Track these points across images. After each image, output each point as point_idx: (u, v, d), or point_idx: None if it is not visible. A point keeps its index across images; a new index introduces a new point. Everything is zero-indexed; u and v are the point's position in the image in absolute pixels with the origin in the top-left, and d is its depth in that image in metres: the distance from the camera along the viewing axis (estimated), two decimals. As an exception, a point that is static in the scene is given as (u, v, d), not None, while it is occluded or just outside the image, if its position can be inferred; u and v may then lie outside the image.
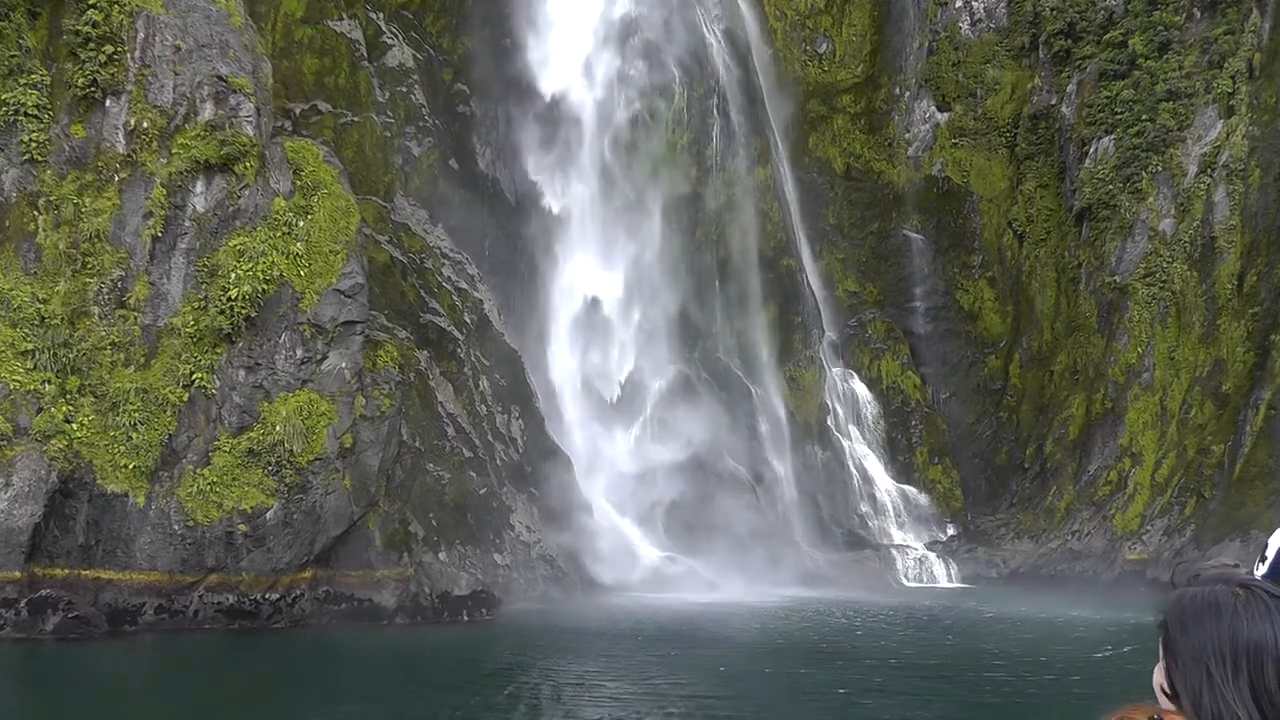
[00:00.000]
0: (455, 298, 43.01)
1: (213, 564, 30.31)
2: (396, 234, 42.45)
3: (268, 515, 30.61)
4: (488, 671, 24.69)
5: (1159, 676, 1.83)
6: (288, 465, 30.73)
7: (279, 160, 32.39)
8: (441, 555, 36.79)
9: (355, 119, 43.50)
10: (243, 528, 30.43)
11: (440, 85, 48.04)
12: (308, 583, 31.45)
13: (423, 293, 41.76)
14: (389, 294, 40.48)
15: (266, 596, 30.79)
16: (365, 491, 32.17)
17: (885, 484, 54.22)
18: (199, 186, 31.64)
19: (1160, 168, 48.56)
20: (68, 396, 30.19)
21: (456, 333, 42.04)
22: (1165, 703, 1.70)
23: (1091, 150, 50.98)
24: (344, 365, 31.66)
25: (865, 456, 54.82)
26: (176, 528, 30.25)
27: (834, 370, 55.56)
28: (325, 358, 31.60)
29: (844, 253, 58.10)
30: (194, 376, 30.72)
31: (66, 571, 29.73)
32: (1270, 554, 2.26)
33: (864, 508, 53.03)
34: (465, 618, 34.01)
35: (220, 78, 31.69)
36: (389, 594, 32.44)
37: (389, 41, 45.99)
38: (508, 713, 20.13)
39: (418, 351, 40.10)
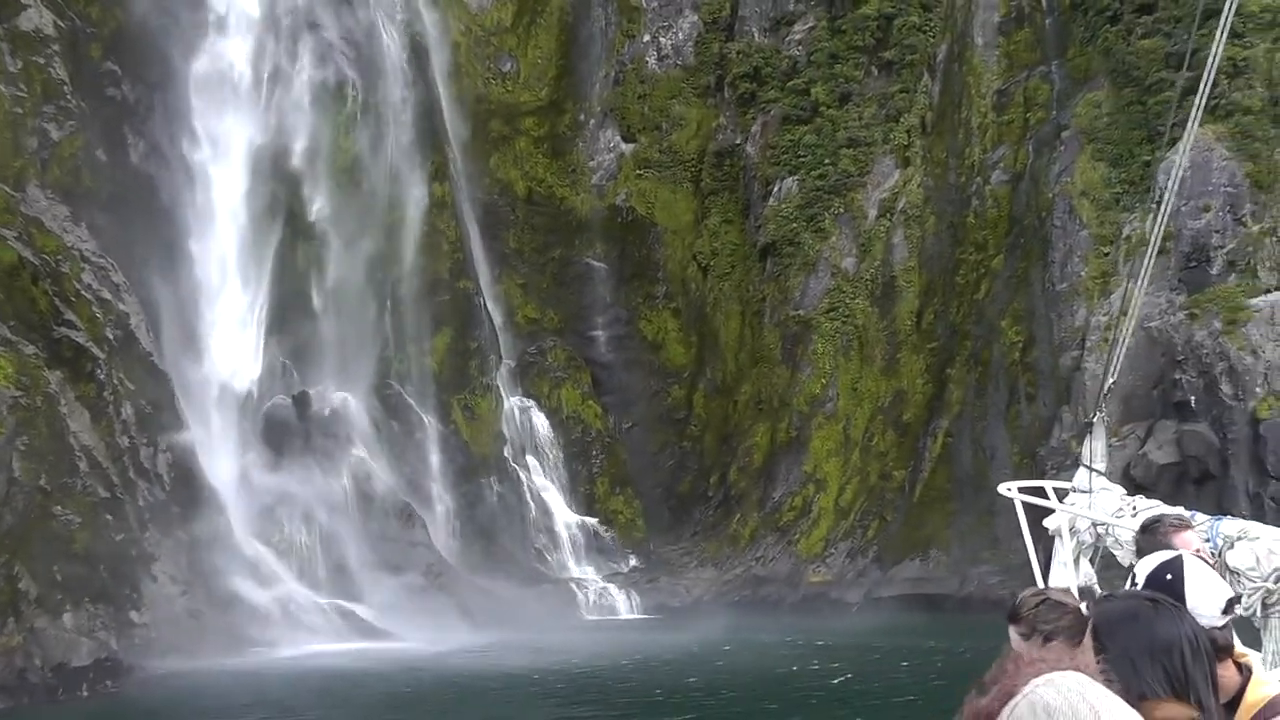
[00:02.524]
0: (96, 309, 37.02)
1: None
2: (27, 230, 36.01)
3: None
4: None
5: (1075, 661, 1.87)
6: None
7: None
8: (66, 617, 31.00)
9: (-21, 87, 36.82)
10: None
11: (87, 61, 41.92)
12: (-117, 664, 25.18)
13: (57, 301, 35.59)
14: (15, 301, 34.15)
15: None
16: (-33, 543, 26.25)
17: (564, 516, 52.59)
18: None
19: (842, 209, 50.36)
20: None
21: (96, 350, 36.12)
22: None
23: (776, 189, 52.21)
24: (-53, 385, 25.71)
25: (544, 488, 52.96)
26: None
27: (512, 399, 53.50)
28: (-79, 375, 25.53)
29: (524, 278, 56.27)
30: None
31: None
32: (1140, 578, 3.23)
33: (542, 541, 51.14)
34: (85, 693, 28.73)
35: None
36: (-12, 672, 26.63)
37: (24, 1, 39.39)
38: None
39: (48, 371, 33.93)
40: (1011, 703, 1.54)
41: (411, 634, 40.78)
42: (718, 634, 37.69)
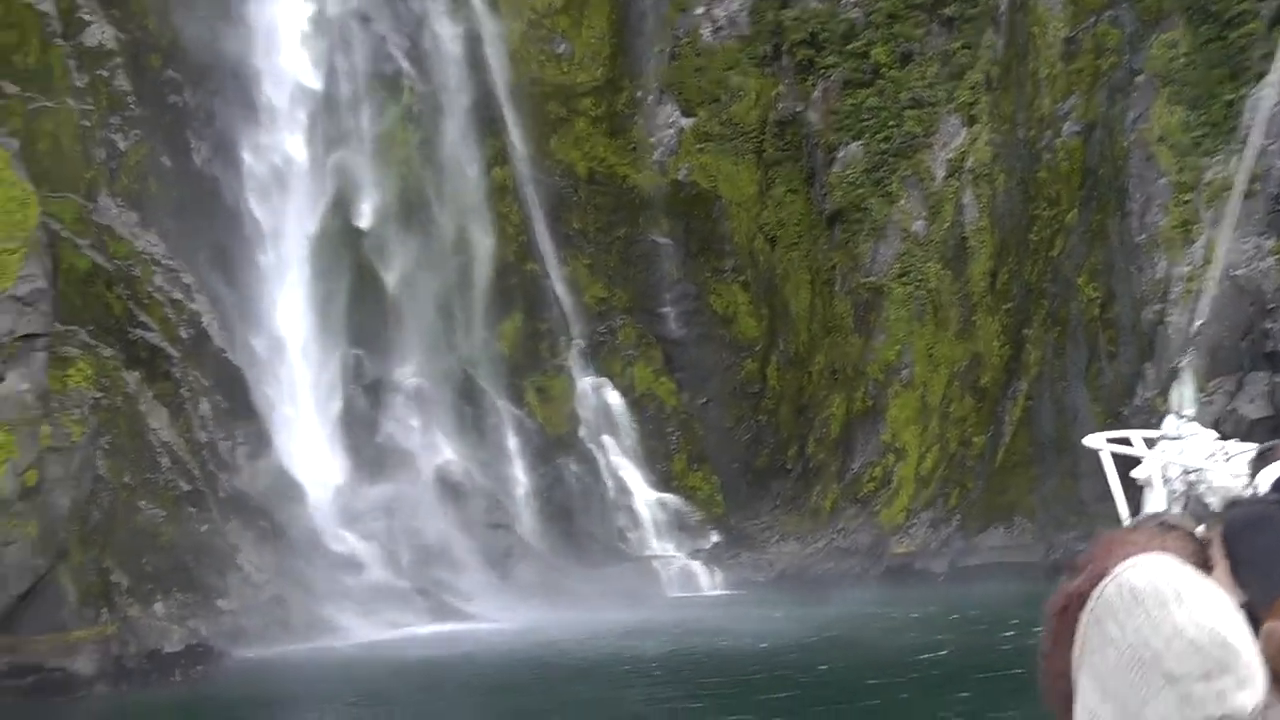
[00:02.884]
0: (169, 310, 37.75)
1: None
2: (100, 237, 36.80)
3: (-69, 575, 24.94)
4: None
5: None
6: (-45, 512, 25.15)
7: (-65, 140, 26.68)
8: (157, 606, 31.69)
9: (49, 104, 37.52)
10: (-102, 591, 24.66)
11: (148, 71, 42.63)
12: (-16, 654, 25.91)
13: (131, 305, 36.35)
14: (91, 306, 34.89)
15: (-69, 675, 25.09)
16: (54, 539, 26.92)
17: (643, 494, 52.40)
18: None
19: (909, 172, 49.11)
20: None
21: (171, 350, 36.84)
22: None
23: (840, 155, 51.12)
24: (25, 387, 26.36)
25: (621, 467, 52.83)
26: None
27: (584, 379, 53.39)
28: (2, 379, 26.16)
29: (591, 258, 56.02)
30: None
31: None
32: (1264, 487, 2.94)
33: (621, 519, 51.03)
34: (178, 677, 29.33)
35: None
36: (86, 659, 27.35)
37: (86, 17, 40.27)
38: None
39: (125, 372, 34.66)
40: (1101, 584, 1.50)
41: (496, 616, 41.02)
42: (805, 608, 37.02)
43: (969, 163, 47.84)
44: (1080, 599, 1.57)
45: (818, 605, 37.56)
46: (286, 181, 47.84)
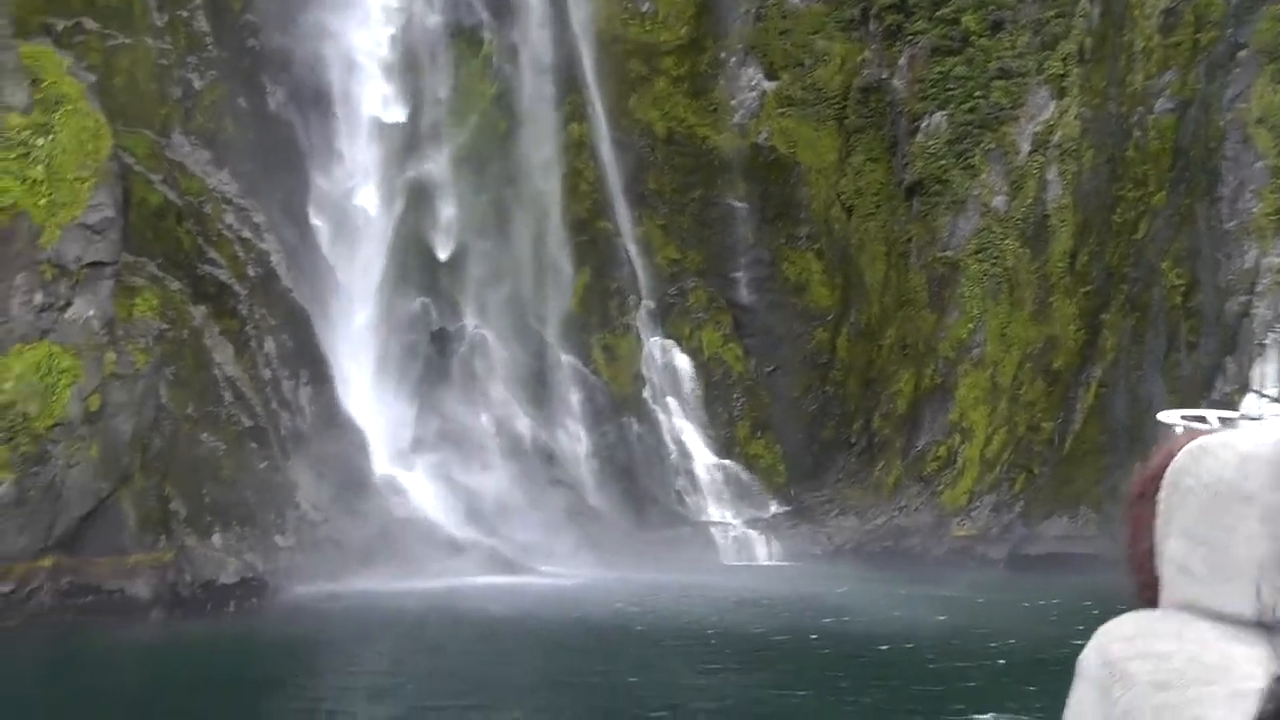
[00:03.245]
0: (238, 248, 38.06)
1: (-70, 550, 25.07)
2: (172, 174, 37.15)
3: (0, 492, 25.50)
4: (239, 679, 20.55)
5: None
6: (22, 431, 25.67)
7: (14, 68, 27.05)
8: (215, 538, 32.14)
9: (127, 41, 37.85)
10: (-34, 506, 25.25)
11: (227, 14, 42.89)
12: (48, 572, 26.50)
13: (201, 241, 36.67)
14: (162, 240, 35.28)
15: (-4, 589, 25.70)
16: (116, 464, 27.33)
17: (704, 459, 52.08)
18: (-88, 94, 26.07)
19: (993, 144, 47.71)
20: None
21: (238, 287, 37.16)
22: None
23: (923, 125, 49.88)
24: (91, 314, 26.72)
25: (683, 430, 52.53)
26: (-114, 505, 24.87)
27: (652, 340, 53.08)
28: (70, 304, 26.58)
29: (665, 219, 55.56)
30: (-91, 324, 25.33)
31: None
32: None
33: (681, 483, 50.74)
34: (232, 608, 29.68)
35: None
36: (144, 584, 27.76)
37: (168, -43, 40.51)
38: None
39: (192, 306, 35.06)
40: (1173, 460, 1.59)
41: (552, 571, 41.09)
42: (864, 585, 36.07)
43: (1056, 137, 46.29)
44: (1155, 480, 1.61)
45: (878, 583, 36.64)
46: (360, 128, 48.07)
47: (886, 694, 18.72)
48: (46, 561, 26.30)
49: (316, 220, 44.93)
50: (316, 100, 46.10)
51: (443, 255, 49.31)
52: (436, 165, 49.50)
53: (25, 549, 25.76)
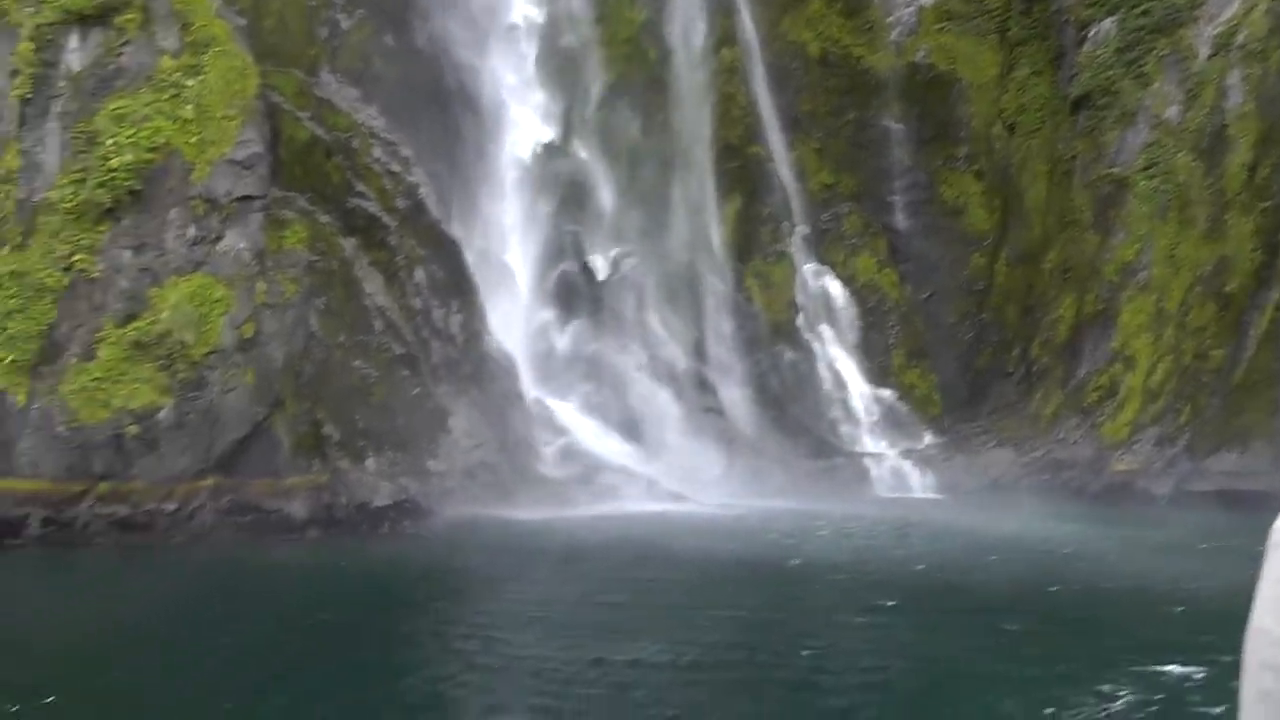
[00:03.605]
0: (386, 181, 38.96)
1: (102, 471, 26.90)
2: (319, 110, 38.19)
3: (160, 416, 27.10)
4: (392, 593, 21.29)
5: None
6: (180, 359, 27.11)
7: (165, 12, 28.11)
8: (369, 462, 33.39)
9: (277, -15, 38.97)
10: (133, 430, 26.94)
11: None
12: (208, 492, 28.06)
13: (349, 175, 37.68)
14: (311, 175, 36.41)
15: (162, 507, 27.40)
16: (270, 389, 28.60)
17: (858, 388, 51.09)
18: (73, 41, 27.46)
19: (1168, 50, 44.31)
20: (-70, 280, 26.43)
21: (387, 219, 38.10)
22: None
23: (1092, 33, 46.81)
24: (242, 245, 27.87)
25: (837, 359, 51.61)
26: (61, 430, 26.78)
27: (805, 267, 52.10)
28: (221, 237, 27.78)
29: (818, 143, 54.14)
30: (74, 258, 26.97)
31: (-53, 480, 26.35)
32: None
33: (835, 413, 49.94)
34: (386, 530, 30.72)
35: (92, -89, 27.26)
36: (299, 504, 29.09)
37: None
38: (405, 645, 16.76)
39: (343, 238, 36.19)
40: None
41: (702, 500, 41.17)
42: (1028, 520, 34.20)
43: (1240, 38, 42.43)
44: None
45: (1038, 518, 34.68)
46: (507, 59, 48.30)
47: (1061, 639, 16.79)
48: (207, 482, 27.84)
49: (464, 152, 45.55)
50: (463, 33, 46.48)
51: (592, 184, 49.44)
52: (586, 92, 49.45)
53: (186, 470, 27.31)
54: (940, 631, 17.97)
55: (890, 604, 20.20)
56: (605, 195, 49.00)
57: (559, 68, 49.12)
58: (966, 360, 50.19)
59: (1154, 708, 12.75)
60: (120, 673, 14.88)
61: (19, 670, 14.88)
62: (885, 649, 16.47)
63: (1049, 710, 12.58)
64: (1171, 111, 43.65)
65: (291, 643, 17.14)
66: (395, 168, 38.94)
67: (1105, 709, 12.59)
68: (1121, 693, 13.03)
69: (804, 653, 16.06)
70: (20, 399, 25.99)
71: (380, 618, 19.05)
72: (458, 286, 40.34)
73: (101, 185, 26.57)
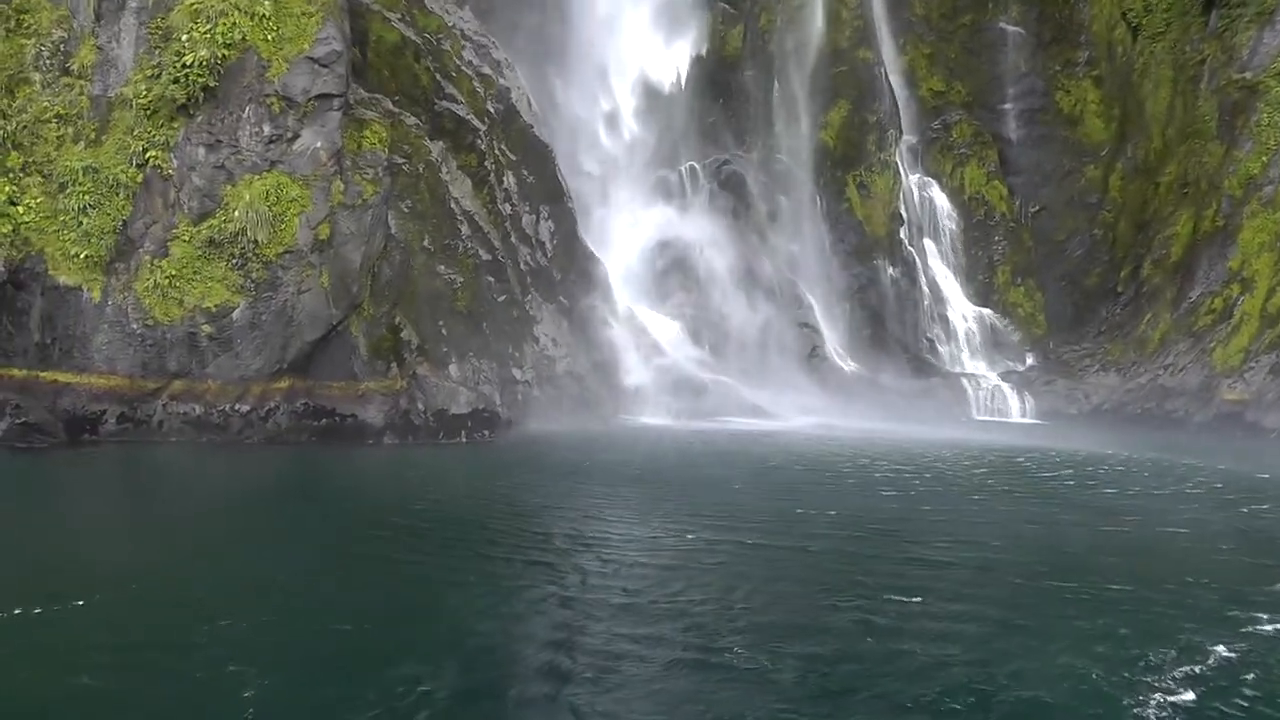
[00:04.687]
0: (477, 84, 38.19)
1: (176, 368, 27.16)
2: (410, 11, 37.46)
3: (234, 315, 27.19)
4: (462, 507, 21.02)
5: None
6: (254, 258, 27.07)
7: (243, -97, 27.52)
8: (451, 368, 33.19)
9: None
10: (206, 328, 27.10)
11: None
12: (283, 394, 28.15)
13: (439, 77, 36.99)
14: (399, 77, 35.83)
15: (236, 408, 27.61)
16: (346, 291, 28.45)
17: (960, 306, 49.35)
18: (152, -67, 27.10)
19: (1314, -59, 40.90)
20: (10, 175, 26.71)
21: (477, 122, 37.42)
22: None
23: (1229, -76, 43.38)
24: (319, 145, 27.51)
25: (940, 274, 49.82)
26: (135, 326, 27.06)
27: (911, 177, 50.19)
28: (298, 136, 27.45)
29: (930, 47, 51.73)
30: (148, 155, 26.96)
31: (24, 373, 26.92)
32: None
33: (935, 331, 48.38)
34: (464, 439, 30.52)
35: None
36: (375, 410, 29.02)
37: None
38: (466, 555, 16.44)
39: (429, 141, 35.67)
40: None
41: (793, 416, 40.30)
42: (1127, 450, 31.69)
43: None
44: None
45: (1145, 449, 32.20)
46: None
47: (1158, 593, 14.28)
48: (282, 384, 27.93)
49: (559, 58, 44.57)
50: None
51: (695, 87, 48.12)
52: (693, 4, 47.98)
53: (260, 370, 27.42)
54: (1023, 578, 16.91)
55: (985, 542, 19.09)
56: (709, 97, 47.60)
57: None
58: (1074, 279, 47.99)
59: None
60: (167, 569, 14.86)
61: (77, 569, 14.94)
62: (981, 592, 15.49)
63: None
64: (1315, 11, 40.36)
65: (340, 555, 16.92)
66: (487, 70, 38.13)
67: None
68: None
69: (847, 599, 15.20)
70: (95, 295, 26.31)
71: (443, 526, 18.71)
72: (549, 192, 39.64)
73: (176, 82, 26.40)
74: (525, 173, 39.28)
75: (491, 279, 36.22)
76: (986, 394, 46.06)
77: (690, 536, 17.62)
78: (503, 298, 36.55)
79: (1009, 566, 16.02)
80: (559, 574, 14.79)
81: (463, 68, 37.93)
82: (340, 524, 18.40)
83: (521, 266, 38.22)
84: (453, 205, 35.84)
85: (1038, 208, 49.26)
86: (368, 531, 17.68)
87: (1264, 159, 40.45)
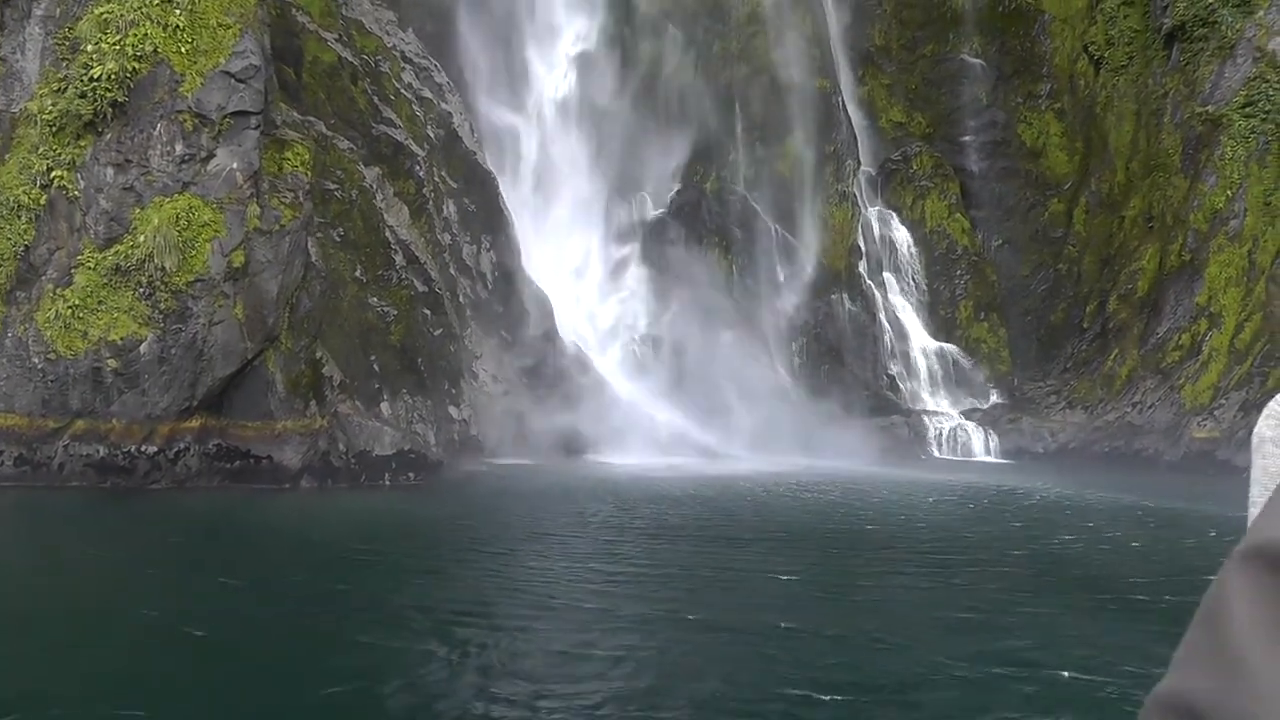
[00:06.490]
0: (416, 108, 36.55)
1: (79, 407, 25.08)
2: (348, 31, 35.83)
3: (141, 349, 25.16)
4: (380, 553, 19.07)
5: None
6: (162, 287, 25.09)
7: (154, -92, 25.78)
8: (382, 407, 31.24)
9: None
10: (112, 363, 25.06)
11: None
12: (193, 434, 26.08)
13: (376, 100, 35.33)
14: (335, 99, 34.14)
15: (143, 449, 25.51)
16: (262, 323, 26.48)
17: (921, 341, 48.01)
18: (57, -62, 25.30)
19: (1274, -26, 40.22)
20: (-102, 196, 24.71)
21: (416, 148, 35.74)
22: None
23: (1189, -43, 42.70)
24: (235, 166, 25.64)
25: (900, 309, 48.48)
26: (36, 361, 25.00)
27: (870, 209, 48.94)
28: (212, 155, 25.57)
29: (890, 78, 50.70)
30: (53, 175, 25.02)
31: (-88, 410, 24.81)
32: None
33: (895, 368, 46.93)
34: (387, 482, 28.53)
35: None
36: (292, 451, 26.95)
37: None
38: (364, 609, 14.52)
39: (364, 167, 33.89)
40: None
41: (745, 456, 38.68)
42: (1103, 491, 30.52)
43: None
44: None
45: (1116, 490, 30.99)
46: None
47: (1134, 634, 13.73)
48: (193, 423, 25.92)
49: (514, 81, 43.15)
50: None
51: (645, 112, 46.74)
52: (645, 18, 46.64)
53: (169, 408, 25.41)
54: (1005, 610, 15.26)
55: (953, 578, 17.50)
56: (658, 123, 46.26)
57: (609, 4, 46.29)
58: (1039, 314, 46.78)
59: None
60: (63, 619, 12.88)
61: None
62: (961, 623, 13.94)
63: None
64: (1276, 43, 39.55)
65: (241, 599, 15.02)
66: (427, 94, 36.48)
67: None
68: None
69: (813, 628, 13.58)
70: (-5, 326, 24.37)
71: (360, 572, 16.87)
72: (491, 222, 37.98)
73: (83, 96, 24.53)
74: (466, 201, 37.66)
75: (428, 311, 34.46)
76: (948, 431, 44.68)
77: (590, 606, 15.37)
78: (439, 331, 34.81)
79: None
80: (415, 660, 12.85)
81: (402, 90, 36.32)
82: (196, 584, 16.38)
83: (461, 299, 36.55)
84: (388, 234, 34.05)
85: (1000, 241, 48.12)
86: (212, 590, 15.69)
87: (1228, 192, 39.46)
